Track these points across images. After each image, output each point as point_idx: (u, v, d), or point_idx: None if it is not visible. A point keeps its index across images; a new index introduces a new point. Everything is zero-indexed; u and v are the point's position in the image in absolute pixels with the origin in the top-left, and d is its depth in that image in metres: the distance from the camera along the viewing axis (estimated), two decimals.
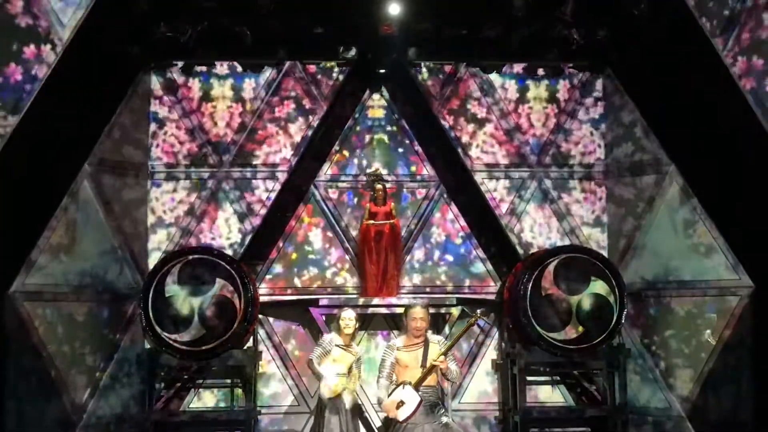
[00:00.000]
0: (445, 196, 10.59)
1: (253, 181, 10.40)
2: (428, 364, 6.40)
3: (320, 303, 9.80)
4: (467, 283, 10.48)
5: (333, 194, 10.53)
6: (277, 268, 10.37)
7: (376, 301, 9.85)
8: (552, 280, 9.74)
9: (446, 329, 9.81)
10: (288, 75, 10.51)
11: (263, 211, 10.32)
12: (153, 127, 10.32)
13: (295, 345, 10.30)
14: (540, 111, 10.65)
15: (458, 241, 10.54)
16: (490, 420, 10.27)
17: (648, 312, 9.98)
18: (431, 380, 6.50)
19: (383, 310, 9.97)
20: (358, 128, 10.62)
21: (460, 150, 10.51)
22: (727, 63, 8.79)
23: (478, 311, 6.56)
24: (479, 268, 10.52)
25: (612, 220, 10.50)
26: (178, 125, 10.35)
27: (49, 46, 8.49)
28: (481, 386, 10.37)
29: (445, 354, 6.45)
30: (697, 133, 9.25)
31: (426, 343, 6.50)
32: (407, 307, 6.75)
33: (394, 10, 9.11)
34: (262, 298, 9.99)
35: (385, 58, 9.97)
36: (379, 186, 10.11)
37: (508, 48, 9.82)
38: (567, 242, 10.41)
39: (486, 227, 10.59)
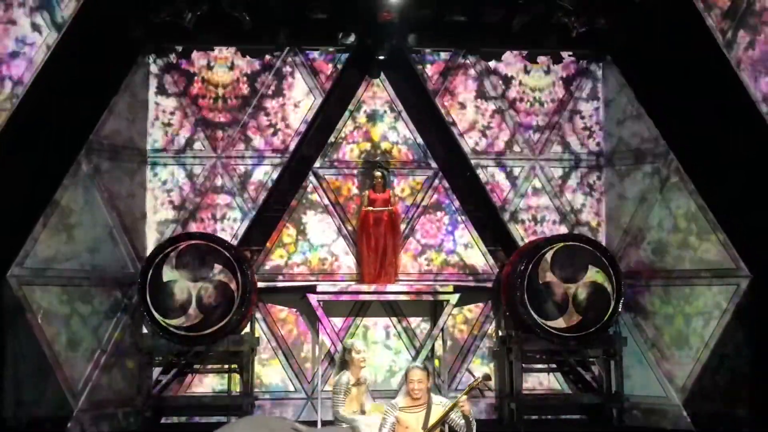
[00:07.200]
0: (443, 183, 10.58)
1: (252, 167, 10.39)
2: (445, 408, 6.15)
3: (318, 289, 9.83)
4: (465, 270, 10.48)
5: (331, 180, 10.51)
6: (275, 254, 10.37)
7: (374, 287, 9.87)
8: (549, 268, 9.74)
9: (442, 319, 9.87)
10: (287, 60, 10.49)
11: (262, 197, 10.32)
12: (152, 111, 10.30)
13: (292, 331, 10.32)
14: (539, 98, 10.63)
15: (456, 228, 10.54)
16: (486, 407, 10.28)
17: (645, 300, 9.99)
18: None
19: (381, 297, 10.00)
20: (356, 114, 10.61)
21: (458, 137, 10.50)
22: (727, 51, 8.78)
23: (480, 376, 6.41)
24: (477, 255, 10.51)
25: (610, 208, 10.50)
26: (177, 110, 10.33)
27: (48, 29, 8.45)
28: (477, 373, 10.37)
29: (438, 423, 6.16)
30: (697, 121, 9.24)
31: (428, 405, 6.29)
32: (407, 369, 6.51)
33: None
34: (259, 284, 10.00)
35: (385, 45, 9.92)
36: (378, 173, 10.12)
37: (508, 35, 9.81)
38: (565, 230, 10.42)
39: (484, 215, 10.59)
